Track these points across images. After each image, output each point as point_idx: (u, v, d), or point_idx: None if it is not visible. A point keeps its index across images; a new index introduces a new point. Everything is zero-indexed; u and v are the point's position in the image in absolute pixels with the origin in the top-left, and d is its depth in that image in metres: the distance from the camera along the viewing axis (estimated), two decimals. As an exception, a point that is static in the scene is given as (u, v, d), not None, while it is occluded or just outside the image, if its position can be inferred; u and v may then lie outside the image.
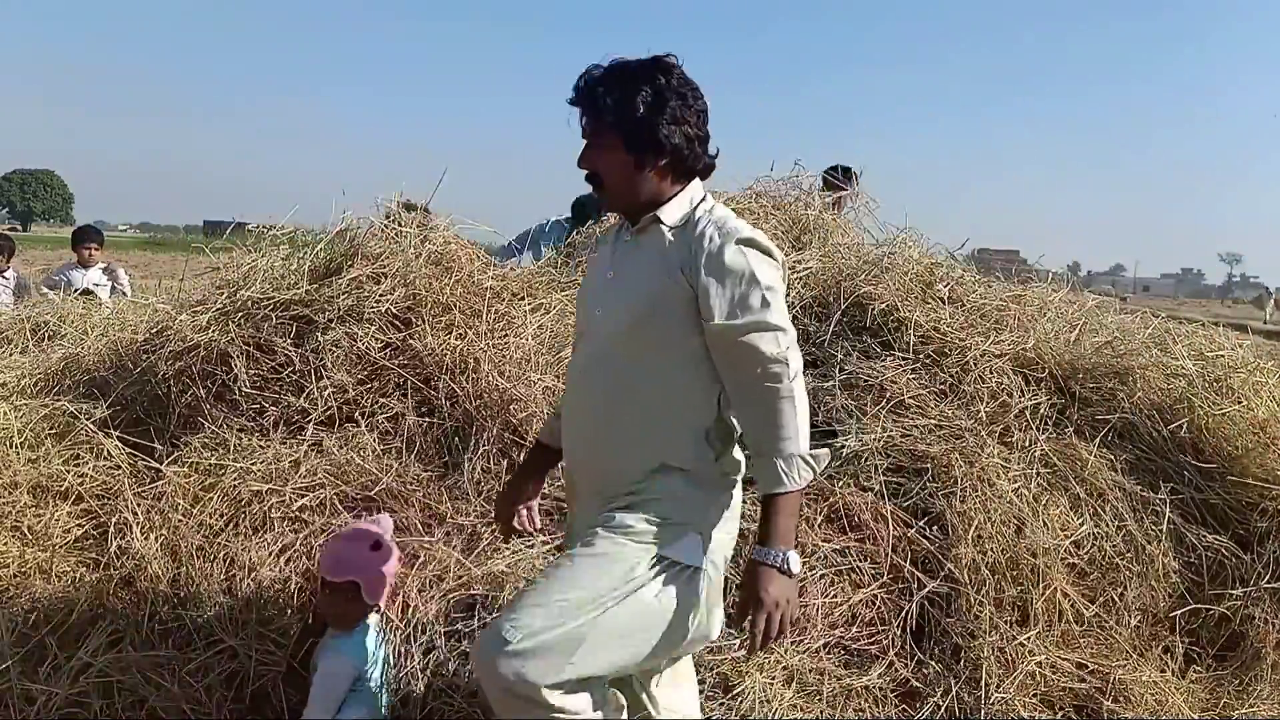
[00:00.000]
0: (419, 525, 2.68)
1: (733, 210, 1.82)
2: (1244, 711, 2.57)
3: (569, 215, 5.29)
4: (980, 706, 2.46)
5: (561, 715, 1.64)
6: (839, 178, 5.14)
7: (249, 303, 3.11)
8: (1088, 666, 2.58)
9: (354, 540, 2.37)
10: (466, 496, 2.75)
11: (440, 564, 2.57)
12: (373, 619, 2.36)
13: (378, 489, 2.70)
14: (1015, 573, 2.67)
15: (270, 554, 2.59)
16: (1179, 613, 2.74)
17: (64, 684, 2.28)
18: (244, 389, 2.94)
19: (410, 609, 2.48)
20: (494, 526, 2.65)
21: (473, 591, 2.54)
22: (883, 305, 3.44)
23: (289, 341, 3.02)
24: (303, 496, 2.68)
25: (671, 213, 1.78)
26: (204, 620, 2.46)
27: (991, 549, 2.68)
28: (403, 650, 2.44)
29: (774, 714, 2.39)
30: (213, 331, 3.05)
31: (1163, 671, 2.63)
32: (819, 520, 2.83)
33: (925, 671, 2.57)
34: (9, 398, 3.19)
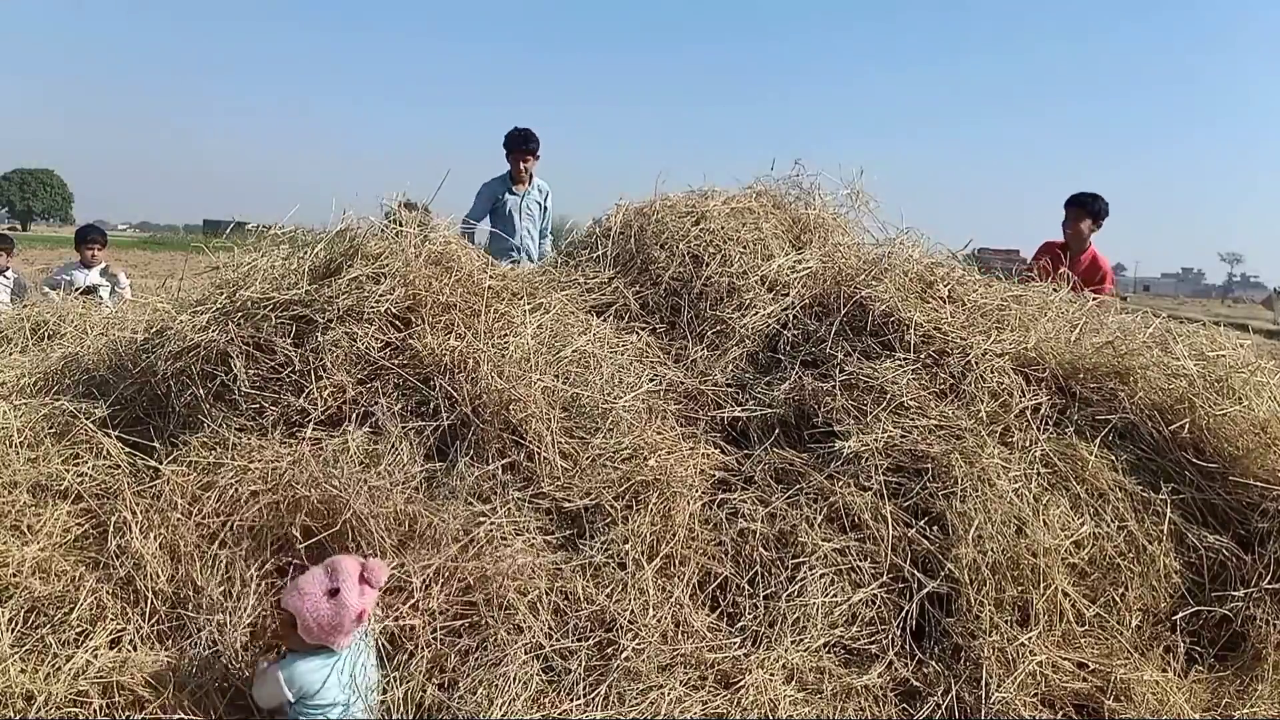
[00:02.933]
0: (392, 542, 2.61)
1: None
2: (1245, 712, 2.57)
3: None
4: (981, 706, 2.46)
5: None
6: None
7: (248, 303, 3.11)
8: (1089, 666, 2.58)
9: (321, 574, 2.29)
10: (463, 497, 2.74)
11: (434, 565, 2.56)
12: (325, 657, 2.27)
13: (345, 515, 2.58)
14: (1016, 573, 2.66)
15: (264, 556, 2.59)
16: (1181, 615, 2.74)
17: (64, 684, 2.28)
18: (243, 389, 2.94)
19: (410, 606, 2.47)
20: (487, 526, 2.65)
21: (468, 588, 2.54)
22: (883, 306, 3.44)
23: (289, 341, 3.02)
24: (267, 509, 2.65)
25: None
26: (203, 620, 2.46)
27: (992, 549, 2.68)
28: (402, 646, 2.44)
29: (774, 712, 2.39)
30: (212, 331, 3.05)
31: (1164, 671, 2.63)
32: (819, 520, 2.83)
33: (925, 671, 2.57)
34: (9, 397, 3.19)
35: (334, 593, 2.24)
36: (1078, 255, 5.01)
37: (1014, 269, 5.05)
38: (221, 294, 3.22)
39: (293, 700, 2.22)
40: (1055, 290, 3.80)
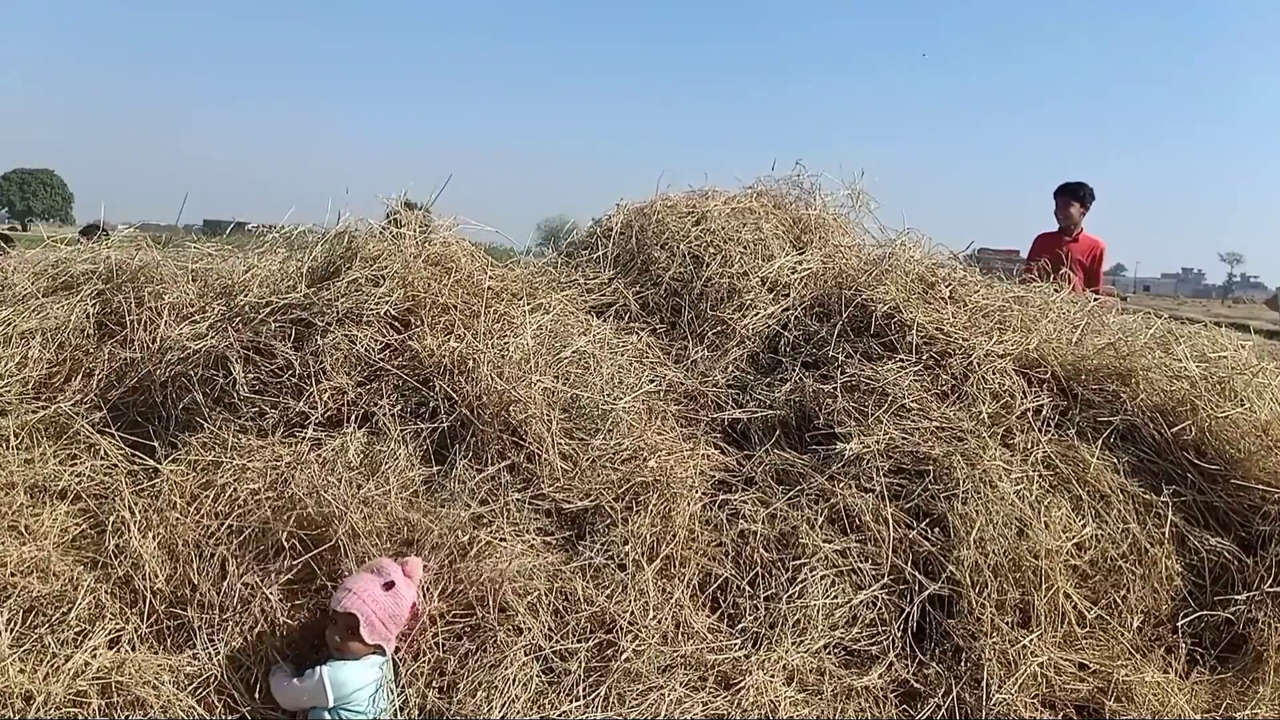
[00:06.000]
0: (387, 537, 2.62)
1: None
2: (1246, 714, 2.56)
3: None
4: (981, 707, 2.46)
5: None
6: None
7: (247, 308, 3.09)
8: (1089, 667, 2.58)
9: (368, 575, 2.34)
10: (463, 499, 2.73)
11: (435, 567, 2.56)
12: (375, 659, 2.32)
13: (340, 530, 2.55)
14: (1017, 575, 2.66)
15: (263, 555, 2.58)
16: (1184, 621, 2.73)
17: (63, 684, 2.27)
18: (242, 393, 2.92)
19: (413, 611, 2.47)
20: (488, 529, 2.65)
21: (468, 591, 2.53)
22: (885, 307, 3.43)
23: (288, 345, 3.00)
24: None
25: None
26: (202, 620, 2.45)
27: (993, 551, 2.68)
28: (402, 650, 2.43)
29: (774, 713, 2.38)
30: (210, 338, 3.03)
31: (1165, 673, 2.63)
32: (820, 521, 2.82)
33: (926, 672, 2.57)
34: (5, 399, 3.17)
35: (389, 586, 2.30)
36: (1074, 236, 5.56)
37: (1014, 269, 5.12)
38: (220, 300, 3.20)
39: (333, 703, 2.24)
40: (1058, 288, 3.84)
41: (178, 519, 2.60)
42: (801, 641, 2.56)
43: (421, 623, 2.46)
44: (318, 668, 2.28)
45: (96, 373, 3.13)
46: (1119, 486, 2.91)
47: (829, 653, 2.57)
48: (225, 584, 2.50)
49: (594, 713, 2.34)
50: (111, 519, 2.62)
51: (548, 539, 2.72)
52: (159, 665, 2.37)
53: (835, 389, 3.17)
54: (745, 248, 3.83)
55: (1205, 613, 2.74)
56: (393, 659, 2.40)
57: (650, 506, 2.75)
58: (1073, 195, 5.57)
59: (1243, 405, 3.07)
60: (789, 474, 3.01)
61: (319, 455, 2.75)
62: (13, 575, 2.47)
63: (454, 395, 2.91)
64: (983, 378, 3.17)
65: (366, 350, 2.98)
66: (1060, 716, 2.51)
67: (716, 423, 3.24)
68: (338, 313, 3.04)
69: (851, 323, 3.46)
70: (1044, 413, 3.11)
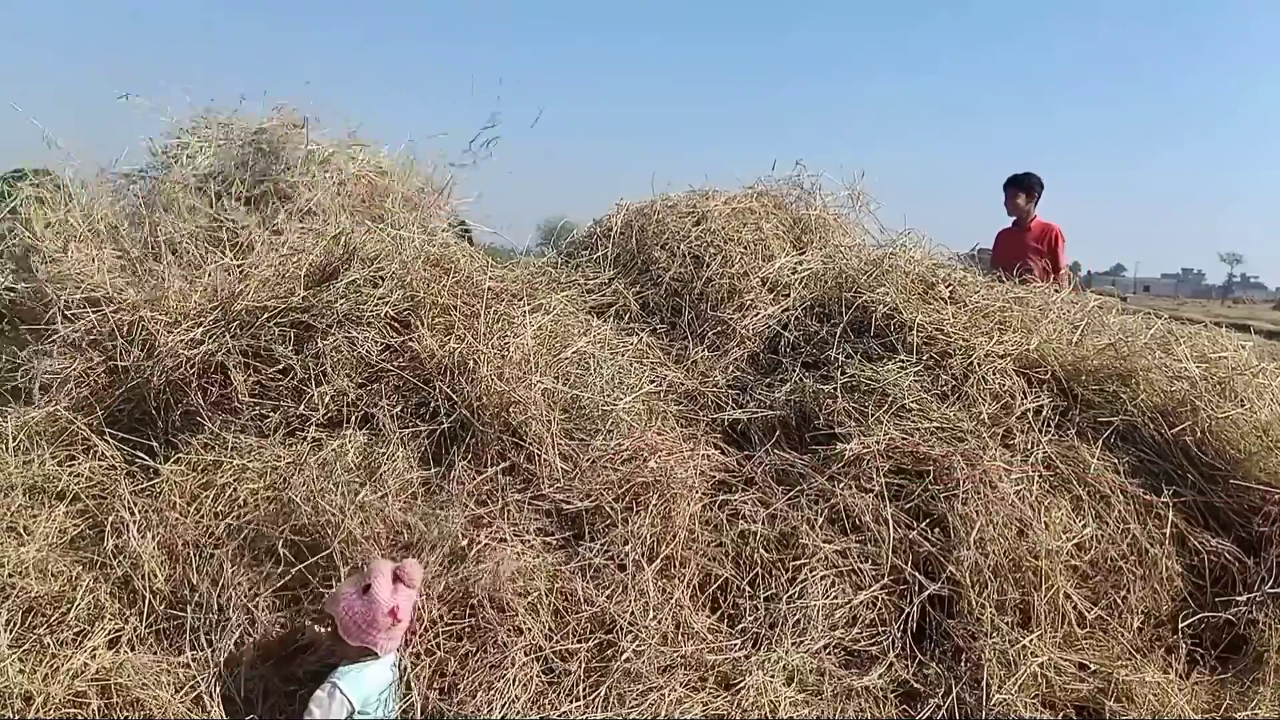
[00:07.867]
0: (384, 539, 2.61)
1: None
2: (1246, 715, 2.56)
3: None
4: (981, 707, 2.45)
5: None
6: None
7: (244, 313, 3.07)
8: (1089, 668, 2.58)
9: (354, 576, 2.35)
10: (462, 501, 2.73)
11: (435, 569, 2.56)
12: (379, 660, 2.30)
13: (338, 537, 2.54)
14: (1017, 575, 2.66)
15: (259, 556, 2.58)
16: (1186, 623, 2.73)
17: (62, 685, 2.27)
18: (242, 398, 2.91)
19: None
20: (487, 530, 2.64)
21: (467, 593, 2.53)
22: (885, 307, 3.43)
23: (289, 349, 2.99)
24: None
25: None
26: (201, 620, 2.45)
27: (993, 551, 2.67)
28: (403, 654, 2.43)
29: (774, 714, 2.38)
30: (208, 344, 3.00)
31: (1165, 673, 2.63)
32: (820, 522, 2.82)
33: (926, 672, 2.57)
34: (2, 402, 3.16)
35: (365, 589, 2.28)
36: (1025, 225, 5.63)
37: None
38: (216, 306, 3.17)
39: (357, 709, 2.20)
40: (1029, 281, 3.86)
41: (177, 519, 2.60)
42: (801, 642, 2.55)
43: (422, 624, 2.46)
44: (329, 683, 2.23)
45: (94, 378, 3.11)
46: (1119, 487, 2.91)
47: (829, 653, 2.57)
48: (223, 584, 2.50)
49: (594, 713, 2.34)
50: (110, 519, 2.61)
51: (548, 539, 2.72)
52: (158, 666, 2.37)
53: (835, 389, 3.17)
54: (745, 248, 3.83)
55: (1206, 614, 2.74)
56: (399, 661, 2.40)
57: (650, 507, 2.75)
58: (1019, 186, 5.60)
59: (1243, 405, 3.07)
60: (789, 474, 3.01)
61: (319, 457, 2.74)
62: (12, 576, 2.47)
63: (454, 396, 2.91)
64: (983, 378, 3.17)
65: (367, 352, 2.97)
66: (1060, 717, 2.51)
67: (716, 423, 3.24)
68: (337, 314, 3.03)
69: (852, 323, 3.46)
70: (1044, 413, 3.11)
